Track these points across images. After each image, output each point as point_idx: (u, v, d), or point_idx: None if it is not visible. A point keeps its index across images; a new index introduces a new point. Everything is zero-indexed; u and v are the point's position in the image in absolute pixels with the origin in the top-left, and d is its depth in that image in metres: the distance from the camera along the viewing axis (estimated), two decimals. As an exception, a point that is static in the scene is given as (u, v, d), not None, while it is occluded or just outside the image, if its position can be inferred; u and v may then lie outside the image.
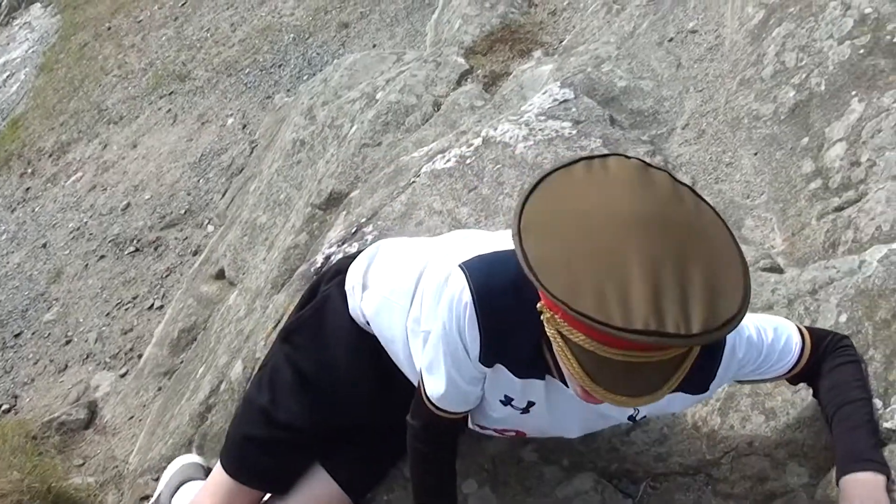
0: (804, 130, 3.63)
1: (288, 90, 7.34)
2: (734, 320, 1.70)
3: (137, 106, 8.13)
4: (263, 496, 3.02)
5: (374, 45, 7.38)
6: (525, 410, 2.41)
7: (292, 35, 8.05)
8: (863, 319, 2.67)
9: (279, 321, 3.83)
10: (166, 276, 6.22)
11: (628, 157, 1.89)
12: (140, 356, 5.54)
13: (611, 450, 2.80)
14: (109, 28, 9.51)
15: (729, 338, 2.22)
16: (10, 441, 4.75)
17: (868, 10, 3.72)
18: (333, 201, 4.67)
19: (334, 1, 8.20)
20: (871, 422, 2.40)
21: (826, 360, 2.45)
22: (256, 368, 3.79)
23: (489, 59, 5.33)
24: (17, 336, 6.22)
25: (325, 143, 5.27)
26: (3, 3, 10.94)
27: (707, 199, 1.86)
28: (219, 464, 3.01)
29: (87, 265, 6.60)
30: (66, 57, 9.42)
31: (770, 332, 2.37)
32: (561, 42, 5.25)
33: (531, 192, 1.84)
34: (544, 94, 4.30)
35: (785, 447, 2.62)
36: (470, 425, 2.61)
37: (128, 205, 6.95)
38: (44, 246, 7.00)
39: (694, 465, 2.71)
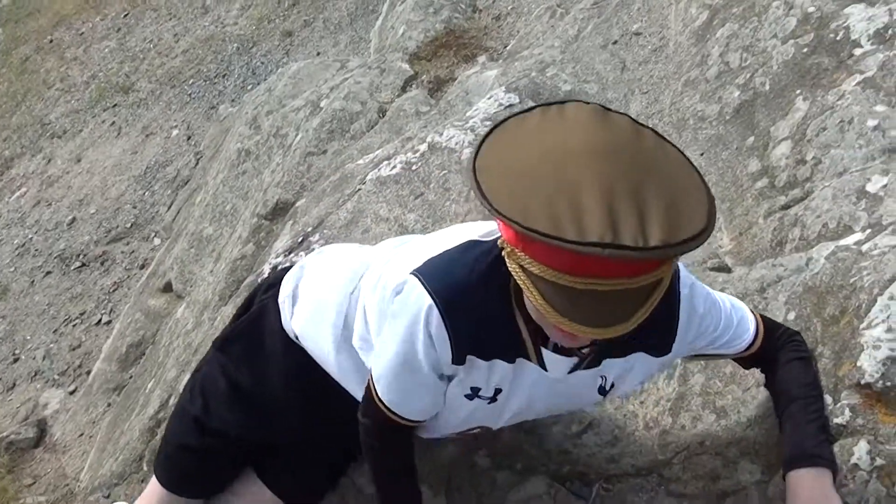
0: (749, 130, 3.63)
1: (232, 100, 7.31)
2: (699, 237, 1.67)
3: (81, 119, 8.06)
4: None
5: (318, 53, 7.35)
6: (493, 399, 2.37)
7: (236, 45, 8.02)
8: (811, 316, 2.67)
9: (227, 333, 3.80)
10: (113, 291, 6.17)
11: (587, 102, 1.86)
12: (89, 372, 5.50)
13: (562, 452, 2.79)
14: (51, 41, 9.43)
15: (686, 294, 2.22)
16: (-42, 462, 4.71)
17: (811, 9, 3.73)
18: (279, 211, 4.64)
19: (278, 10, 8.18)
20: (820, 419, 2.41)
21: (780, 351, 2.45)
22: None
23: (434, 64, 5.33)
24: (-37, 355, 6.16)
25: (270, 152, 5.25)
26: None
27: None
28: (153, 477, 2.98)
29: (33, 281, 6.54)
30: (7, 71, 9.34)
31: (728, 303, 2.38)
32: (505, 47, 5.25)
33: (486, 136, 1.82)
34: (489, 99, 4.29)
35: (736, 445, 2.62)
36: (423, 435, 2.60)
37: (73, 219, 6.89)
38: (-12, 263, 6.94)
39: (646, 465, 2.70)
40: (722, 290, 2.82)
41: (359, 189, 4.00)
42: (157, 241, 6.36)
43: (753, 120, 3.64)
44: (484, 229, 2.25)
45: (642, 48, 4.41)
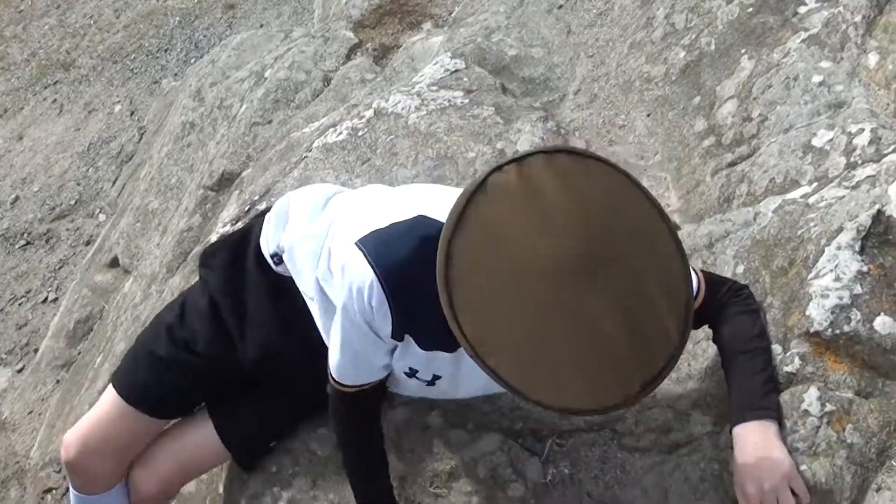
0: (695, 90, 3.64)
1: (175, 74, 7.26)
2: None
3: (21, 97, 7.96)
4: (147, 429, 2.89)
5: (262, 25, 7.31)
6: (430, 383, 2.40)
7: (178, 18, 7.95)
8: (760, 269, 2.68)
9: (175, 303, 3.78)
10: (59, 268, 6.12)
11: (556, 151, 1.83)
12: (36, 350, 5.46)
13: (515, 409, 2.79)
14: (-11, 20, 9.33)
15: None
16: None
17: (755, -31, 3.75)
18: (225, 182, 4.62)
19: (220, -18, 8.13)
20: (765, 371, 2.42)
21: (726, 307, 2.47)
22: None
23: (378, 32, 5.29)
24: None
25: (214, 124, 5.21)
26: None
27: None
28: (109, 386, 2.89)
29: (-24, 261, 6.48)
30: (-55, 51, 9.24)
31: None
32: (450, 13, 5.22)
33: (451, 238, 1.78)
34: (435, 64, 4.28)
35: (687, 398, 2.63)
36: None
37: (16, 198, 6.82)
38: (-68, 244, 6.86)
39: (598, 420, 2.70)
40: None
41: (305, 157, 3.98)
42: (102, 217, 6.31)
43: (699, 80, 3.65)
44: (440, 199, 2.21)
45: (587, 12, 4.40)
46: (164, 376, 2.81)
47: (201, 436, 2.84)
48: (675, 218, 3.24)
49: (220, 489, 3.03)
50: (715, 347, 2.57)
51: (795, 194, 2.86)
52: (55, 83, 7.89)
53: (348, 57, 5.12)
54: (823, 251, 2.56)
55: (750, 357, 2.44)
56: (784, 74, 3.29)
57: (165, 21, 8.00)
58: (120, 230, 5.34)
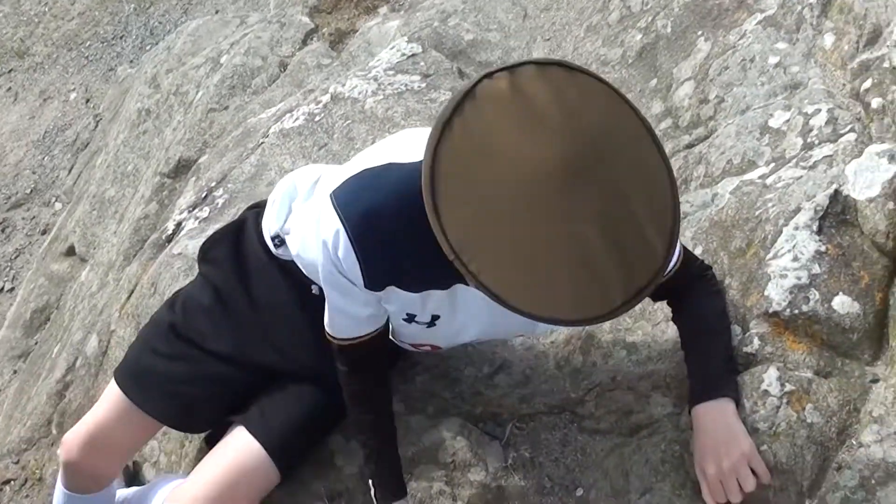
0: (652, 72, 3.64)
1: (131, 61, 7.19)
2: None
3: (-25, 86, 7.90)
4: (149, 431, 2.86)
5: (217, 11, 7.25)
6: (430, 324, 2.35)
7: (133, 5, 7.87)
8: (718, 250, 2.69)
9: (132, 291, 3.76)
10: (15, 258, 6.07)
11: (540, 62, 1.77)
12: (-8, 340, 5.41)
13: (475, 394, 2.78)
14: (-59, 8, 9.24)
15: None
16: None
17: (710, -49, 3.75)
18: (182, 168, 4.59)
19: (175, -31, 8.06)
20: (725, 351, 2.43)
21: (693, 286, 2.48)
22: (110, 340, 3.73)
23: (334, 16, 5.27)
24: None
25: (171, 111, 5.18)
26: None
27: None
28: (112, 381, 2.80)
29: (-69, 252, 6.42)
30: None
31: None
32: (407, -3, 5.22)
33: (434, 157, 1.71)
34: (392, 49, 4.27)
35: (648, 379, 2.63)
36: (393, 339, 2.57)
37: (-29, 188, 6.77)
38: None
39: (559, 403, 2.70)
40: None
41: (262, 142, 3.97)
42: (58, 205, 6.26)
43: (656, 62, 3.65)
44: (410, 142, 2.15)
45: (544, -5, 4.41)
46: (170, 373, 2.74)
47: (243, 450, 2.65)
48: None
49: None
50: (675, 328, 2.58)
51: (753, 175, 2.87)
52: (9, 71, 7.81)
53: (304, 42, 5.10)
54: (781, 231, 2.57)
55: (710, 338, 2.45)
56: (740, 56, 3.29)
57: (120, 8, 7.92)
58: (76, 219, 5.30)
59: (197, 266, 2.89)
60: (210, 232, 3.46)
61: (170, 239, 3.84)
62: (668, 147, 3.31)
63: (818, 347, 2.45)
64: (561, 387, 2.74)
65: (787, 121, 2.96)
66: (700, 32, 3.56)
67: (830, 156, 2.72)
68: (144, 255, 3.95)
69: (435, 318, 2.33)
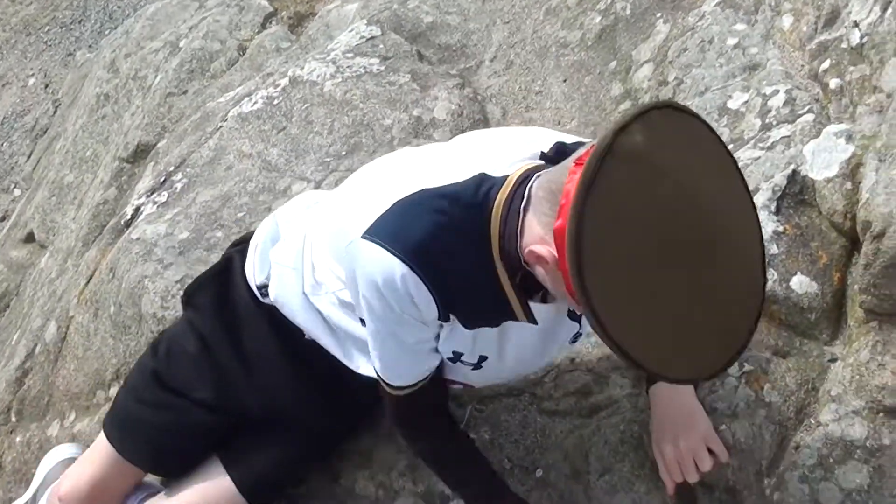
0: (612, 55, 3.64)
1: (90, 46, 7.14)
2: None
3: (-68, 72, 7.83)
4: (143, 475, 2.81)
5: (177, -5, 7.23)
6: (476, 366, 2.26)
7: (92, -10, 7.84)
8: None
9: (91, 277, 3.74)
10: (-27, 246, 6.03)
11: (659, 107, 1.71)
12: (-50, 328, 5.36)
13: (435, 377, 2.78)
14: None
15: None
16: None
17: (669, -68, 3.75)
18: (141, 153, 4.56)
19: (134, -47, 8.01)
20: None
21: None
22: (69, 326, 3.71)
23: (294, 0, 5.25)
24: None
25: (129, 95, 5.14)
26: None
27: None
28: (101, 433, 2.77)
29: None
30: None
31: None
32: (366, -20, 5.20)
33: (585, 201, 1.62)
34: (351, 32, 4.26)
35: (606, 360, 2.63)
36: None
37: (-72, 175, 6.72)
38: None
39: (518, 385, 2.70)
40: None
41: (220, 126, 3.95)
42: (16, 192, 6.22)
43: (615, 45, 3.65)
44: (431, 166, 2.10)
45: (503, -22, 4.40)
46: (159, 427, 2.70)
47: (219, 489, 2.65)
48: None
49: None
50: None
51: (711, 156, 2.87)
52: (-33, 57, 7.77)
53: (263, 26, 5.07)
54: (740, 212, 2.57)
55: None
56: (699, 37, 3.30)
57: (79, -8, 7.89)
58: (35, 205, 5.26)
59: (181, 308, 2.83)
60: (168, 216, 3.46)
61: (128, 224, 3.81)
62: (627, 129, 3.31)
63: (776, 327, 2.47)
64: (520, 370, 2.74)
65: (746, 102, 2.97)
66: (659, 14, 3.56)
67: (788, 136, 2.72)
68: (103, 240, 3.92)
69: (482, 359, 2.24)
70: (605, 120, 3.46)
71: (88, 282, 3.74)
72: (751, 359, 2.38)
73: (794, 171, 2.58)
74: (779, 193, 2.55)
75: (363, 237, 1.96)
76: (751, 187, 2.55)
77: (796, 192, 2.57)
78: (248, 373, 2.62)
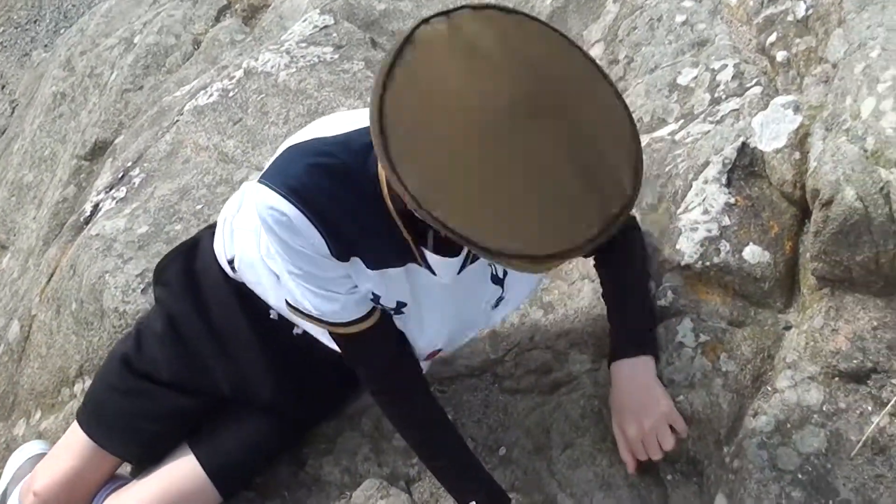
0: (563, 35, 3.65)
1: (46, 46, 7.12)
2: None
3: None
4: (118, 464, 2.80)
5: (131, -9, 7.21)
6: (397, 311, 2.24)
7: (46, -11, 7.81)
8: (630, 206, 2.71)
9: (52, 274, 3.73)
10: (-66, 249, 6.00)
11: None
12: (-87, 331, 5.34)
13: (395, 359, 2.79)
14: None
15: None
16: None
17: (615, -88, 3.76)
18: (99, 150, 4.56)
19: (86, -50, 7.97)
20: (645, 305, 2.45)
21: (624, 234, 2.45)
22: (32, 325, 3.70)
23: (247, -8, 5.25)
24: None
25: (86, 93, 5.14)
26: None
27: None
28: (75, 422, 2.75)
29: None
30: None
31: None
32: (319, -30, 5.20)
33: (385, 87, 1.60)
34: (304, 21, 4.26)
35: (565, 337, 2.66)
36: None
37: None
38: None
39: (479, 365, 2.72)
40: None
41: (176, 120, 3.95)
42: (-25, 194, 6.20)
43: (566, 25, 3.66)
44: (332, 120, 2.09)
45: (454, -37, 4.41)
46: (130, 412, 2.68)
47: (185, 471, 2.64)
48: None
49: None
50: (590, 286, 2.60)
51: (663, 132, 2.90)
52: (-78, 60, 7.72)
53: (217, 19, 5.07)
54: (691, 186, 2.60)
55: (632, 292, 2.47)
56: (648, 16, 3.32)
57: (33, -8, 7.86)
58: (-6, 206, 5.25)
59: (153, 287, 2.80)
60: (127, 211, 3.46)
61: (87, 221, 3.81)
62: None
63: (731, 298, 2.49)
64: (480, 349, 2.76)
65: (695, 77, 2.99)
66: (609, -6, 3.59)
67: (737, 109, 2.75)
68: (63, 238, 3.92)
69: (401, 305, 2.22)
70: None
71: (50, 280, 3.73)
72: (706, 329, 2.40)
73: (744, 144, 2.60)
74: (729, 166, 2.57)
75: (256, 182, 1.98)
76: (701, 161, 2.61)
77: (746, 164, 2.59)
78: (217, 348, 2.61)
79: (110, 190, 3.83)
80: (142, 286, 3.18)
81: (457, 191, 1.56)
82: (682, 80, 3.02)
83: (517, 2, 3.91)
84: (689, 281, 2.50)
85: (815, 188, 2.35)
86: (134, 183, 3.75)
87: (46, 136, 5.20)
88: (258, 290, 2.50)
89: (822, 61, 2.70)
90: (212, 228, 2.67)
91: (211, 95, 3.95)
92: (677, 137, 2.82)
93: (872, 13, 2.60)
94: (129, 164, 3.88)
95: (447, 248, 2.04)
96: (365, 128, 1.95)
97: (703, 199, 2.54)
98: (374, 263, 2.09)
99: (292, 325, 2.55)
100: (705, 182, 2.58)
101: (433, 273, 2.10)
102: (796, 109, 2.61)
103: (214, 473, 2.61)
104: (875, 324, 2.31)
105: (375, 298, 2.18)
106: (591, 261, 2.58)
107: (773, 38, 2.91)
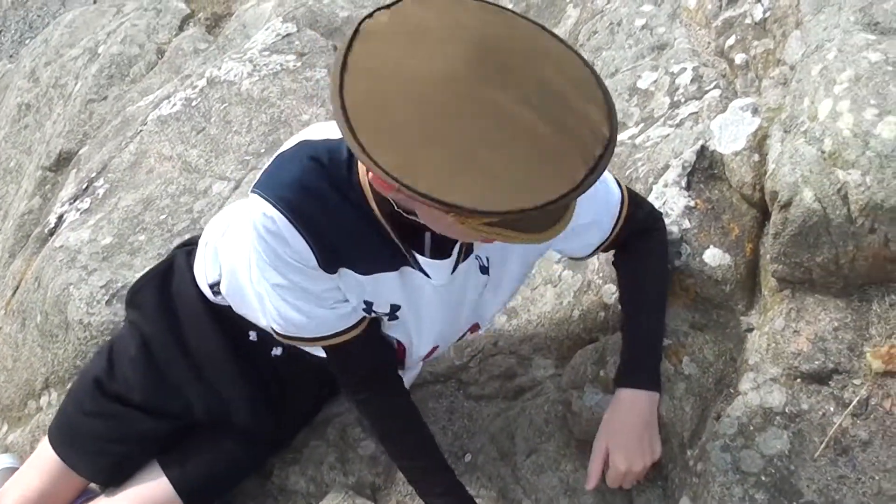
0: (525, 40, 3.66)
1: (10, 56, 7.11)
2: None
3: None
4: (88, 483, 2.80)
5: (95, 1, 7.18)
6: (392, 317, 2.25)
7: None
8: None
9: (17, 287, 3.72)
10: None
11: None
12: None
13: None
14: None
15: None
16: None
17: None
18: (63, 161, 4.55)
19: (51, -38, 7.95)
20: (660, 330, 2.39)
21: (643, 239, 2.41)
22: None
23: (210, 1, 5.25)
24: None
25: (50, 104, 5.12)
26: None
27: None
28: (45, 438, 2.75)
29: None
30: None
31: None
32: (282, -22, 5.20)
33: (342, 80, 1.60)
34: (267, 30, 4.27)
35: (529, 342, 2.66)
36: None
37: None
38: None
39: (444, 372, 2.73)
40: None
41: (140, 130, 3.95)
42: (-59, 207, 6.17)
43: (528, 30, 3.67)
44: (319, 126, 2.09)
45: (416, -31, 4.40)
46: (101, 435, 2.67)
47: (156, 492, 2.65)
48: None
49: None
50: (553, 292, 2.60)
51: (623, 136, 2.90)
52: None
53: (181, 28, 5.07)
54: (651, 189, 2.60)
55: (654, 312, 2.42)
56: (608, 20, 3.33)
57: (-3, 2, 7.83)
58: (-40, 219, 5.23)
59: (126, 308, 2.79)
60: (91, 222, 3.45)
61: (52, 232, 3.80)
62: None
63: (692, 300, 2.49)
64: (445, 356, 2.76)
65: (655, 81, 3.00)
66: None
67: (696, 112, 2.75)
68: (28, 250, 3.91)
69: (395, 308, 2.23)
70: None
71: (15, 292, 3.72)
72: (668, 333, 2.40)
73: (703, 147, 2.61)
74: (689, 169, 2.57)
75: (251, 192, 1.98)
76: (660, 165, 2.61)
77: (706, 167, 2.60)
78: (193, 372, 2.60)
79: (74, 201, 3.83)
80: (106, 297, 3.17)
81: (433, 161, 1.55)
82: (641, 84, 3.03)
83: (479, 7, 3.92)
84: (649, 284, 2.50)
85: (773, 190, 2.35)
86: (98, 194, 3.74)
87: (12, 147, 5.18)
88: (243, 312, 2.50)
89: (780, 63, 2.71)
90: (186, 247, 2.68)
91: (174, 105, 3.94)
92: (637, 141, 2.82)
93: (829, 15, 2.60)
94: (94, 174, 3.88)
95: (440, 250, 2.07)
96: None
97: (664, 203, 2.54)
98: (365, 269, 2.10)
99: (271, 345, 2.56)
100: (665, 185, 2.58)
101: (427, 276, 2.11)
102: (755, 112, 2.62)
103: (186, 494, 2.61)
104: (836, 325, 2.32)
105: (368, 307, 2.19)
106: (590, 261, 2.61)
107: (731, 40, 2.92)
